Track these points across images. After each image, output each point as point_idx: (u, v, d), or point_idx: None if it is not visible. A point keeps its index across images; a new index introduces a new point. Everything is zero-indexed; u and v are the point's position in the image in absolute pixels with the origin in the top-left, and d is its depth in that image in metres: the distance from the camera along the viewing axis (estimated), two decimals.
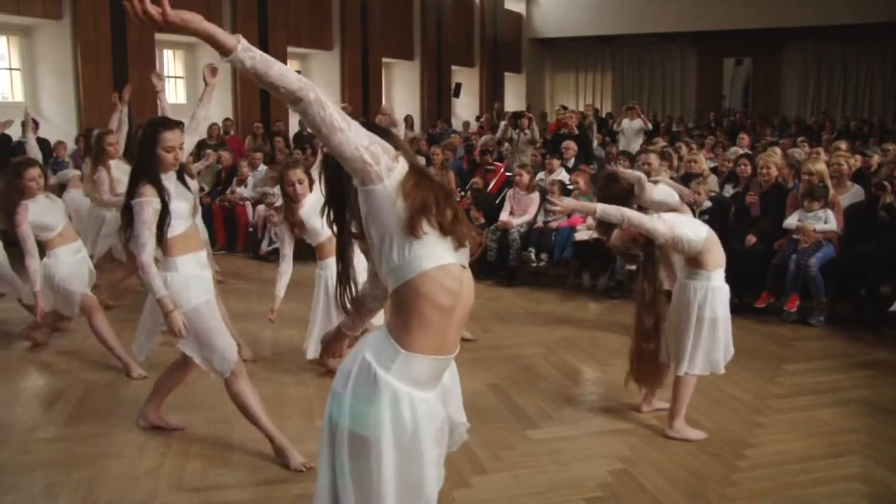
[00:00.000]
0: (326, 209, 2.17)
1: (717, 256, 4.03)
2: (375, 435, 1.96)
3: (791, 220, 6.53)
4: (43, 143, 9.91)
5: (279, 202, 9.30)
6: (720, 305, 4.02)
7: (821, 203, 6.46)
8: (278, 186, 9.54)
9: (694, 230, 3.98)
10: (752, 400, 4.66)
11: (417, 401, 2.01)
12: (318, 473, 2.12)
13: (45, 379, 5.07)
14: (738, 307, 6.46)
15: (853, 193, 6.89)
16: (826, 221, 6.40)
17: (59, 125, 10.78)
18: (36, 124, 9.81)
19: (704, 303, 3.98)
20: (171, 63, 13.42)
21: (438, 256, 1.98)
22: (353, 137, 1.91)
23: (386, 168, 1.94)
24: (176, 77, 13.51)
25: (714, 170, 8.56)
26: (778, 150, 9.29)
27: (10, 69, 11.14)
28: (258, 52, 1.84)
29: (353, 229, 2.15)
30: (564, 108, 15.86)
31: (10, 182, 4.92)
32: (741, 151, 9.52)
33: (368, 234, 2.03)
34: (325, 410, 2.10)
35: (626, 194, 4.32)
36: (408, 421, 1.99)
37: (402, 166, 1.99)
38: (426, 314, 1.99)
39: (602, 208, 3.87)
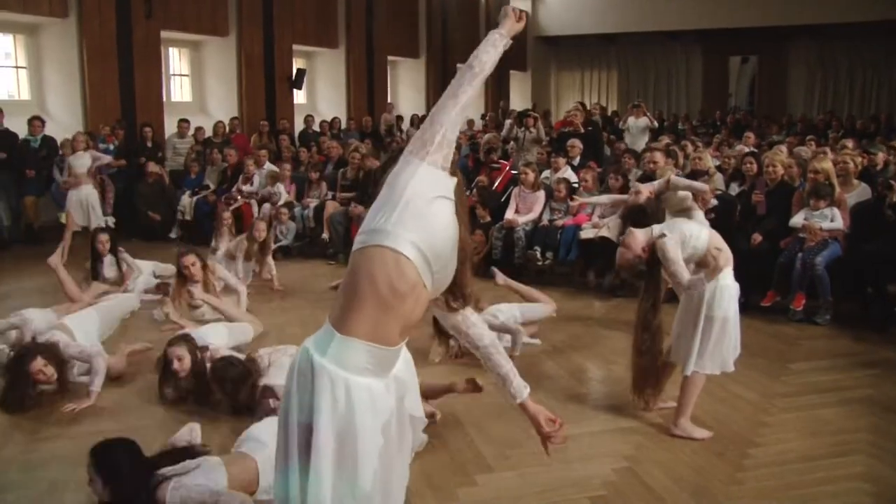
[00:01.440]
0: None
1: (723, 256, 4.02)
2: (316, 423, 1.94)
3: (797, 219, 6.51)
4: (49, 141, 9.96)
5: (283, 200, 9.36)
6: (729, 304, 4.01)
7: (827, 202, 6.44)
8: (280, 185, 9.60)
9: (695, 240, 4.02)
10: (758, 399, 4.65)
11: (354, 386, 1.96)
12: (275, 473, 2.11)
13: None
14: (744, 306, 6.39)
15: (859, 192, 6.87)
16: (832, 220, 6.39)
17: (66, 123, 10.80)
18: (42, 122, 9.87)
19: (713, 301, 3.98)
20: (177, 61, 13.44)
21: (402, 244, 1.95)
22: (454, 119, 2.04)
23: (436, 160, 2.02)
24: (181, 75, 13.53)
25: (719, 168, 8.55)
26: (784, 148, 9.27)
27: (17, 67, 11.16)
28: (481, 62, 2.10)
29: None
30: (582, 104, 15.79)
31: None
32: (746, 150, 9.50)
33: (376, 195, 2.06)
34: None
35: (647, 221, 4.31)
36: (342, 405, 1.95)
37: (451, 180, 2.07)
38: (365, 298, 1.96)
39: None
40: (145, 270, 6.88)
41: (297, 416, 1.99)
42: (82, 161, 8.89)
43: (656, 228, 4.11)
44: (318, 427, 1.94)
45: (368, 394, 1.98)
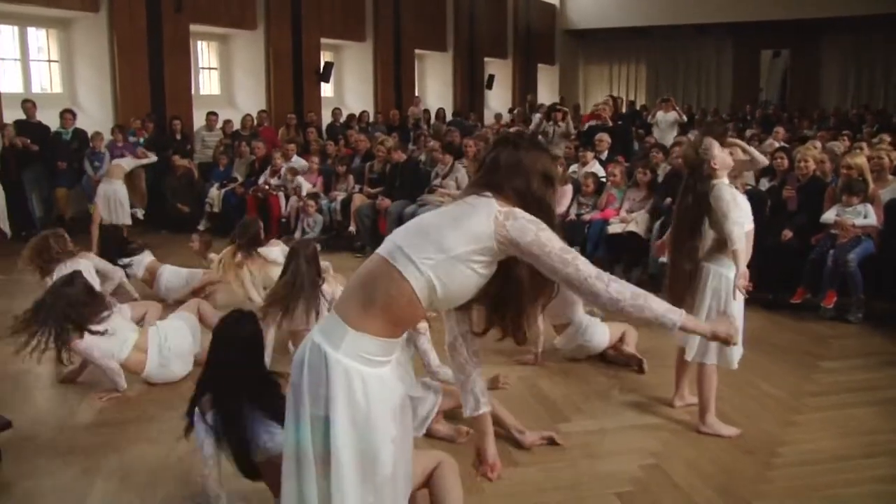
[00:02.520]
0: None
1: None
2: (331, 415, 1.99)
3: (829, 215, 6.41)
4: (80, 133, 10.08)
5: (304, 192, 9.41)
6: (729, 297, 3.91)
7: (860, 198, 6.34)
8: (298, 177, 9.67)
9: (740, 224, 3.89)
10: (787, 397, 4.59)
11: (369, 377, 2.01)
12: (283, 467, 2.12)
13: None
14: (773, 303, 6.39)
15: (894, 188, 6.74)
16: (865, 216, 6.28)
17: (96, 116, 10.93)
18: (73, 115, 9.98)
19: (719, 290, 3.91)
20: (206, 54, 13.54)
21: (422, 296, 2.01)
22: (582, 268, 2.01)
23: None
24: (210, 68, 13.62)
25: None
26: (818, 143, 9.12)
27: (49, 61, 11.31)
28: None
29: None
30: (613, 98, 15.68)
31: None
32: (777, 144, 9.37)
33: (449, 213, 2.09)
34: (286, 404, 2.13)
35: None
36: (360, 398, 2.00)
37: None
38: (378, 305, 2.01)
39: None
40: (115, 277, 6.32)
41: (310, 409, 2.02)
42: (126, 160, 9.05)
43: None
44: (334, 418, 1.99)
45: (381, 383, 2.05)
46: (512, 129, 11.98)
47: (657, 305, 2.01)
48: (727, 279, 3.89)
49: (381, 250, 2.06)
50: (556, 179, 2.16)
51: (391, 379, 2.10)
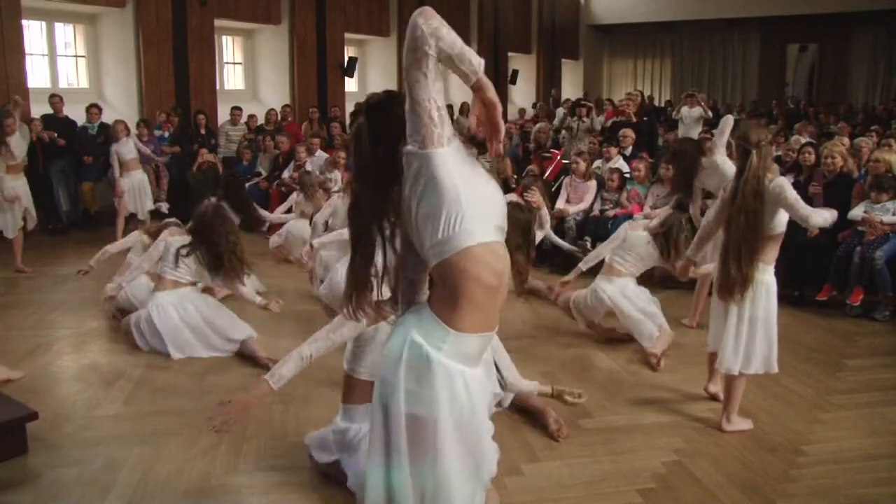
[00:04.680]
0: (357, 190, 2.13)
1: (776, 250, 3.93)
2: (433, 415, 1.98)
3: (857, 212, 6.33)
4: (106, 128, 10.17)
5: (336, 187, 9.40)
6: (769, 302, 3.89)
7: (889, 194, 6.26)
8: (337, 171, 9.70)
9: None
10: (813, 395, 4.54)
11: (470, 378, 2.03)
12: (369, 460, 2.11)
13: (106, 358, 5.20)
14: (800, 300, 6.33)
15: None
16: (894, 213, 6.20)
17: (122, 110, 11.02)
18: (99, 109, 10.07)
19: (755, 299, 3.85)
20: (231, 49, 13.60)
21: (483, 233, 1.95)
22: (432, 89, 1.89)
23: (447, 136, 1.92)
24: (234, 63, 13.69)
25: (779, 160, 8.33)
26: (845, 139, 9.00)
27: (76, 56, 11.42)
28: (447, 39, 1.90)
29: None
30: (641, 93, 15.58)
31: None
32: (803, 140, 9.25)
33: (410, 209, 1.97)
34: (373, 399, 2.09)
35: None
36: (464, 399, 2.01)
37: (459, 143, 1.97)
38: (474, 294, 1.97)
39: None
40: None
41: (403, 408, 2.00)
42: (128, 148, 8.96)
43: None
44: (439, 420, 1.99)
45: (479, 383, 2.08)
46: (537, 126, 11.94)
47: None
48: (761, 284, 3.86)
49: (431, 265, 2.02)
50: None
51: (484, 377, 2.13)
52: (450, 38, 1.88)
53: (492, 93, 1.96)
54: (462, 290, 1.96)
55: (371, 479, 2.09)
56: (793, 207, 3.82)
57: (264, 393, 3.00)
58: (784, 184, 3.85)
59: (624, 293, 5.30)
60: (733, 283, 3.81)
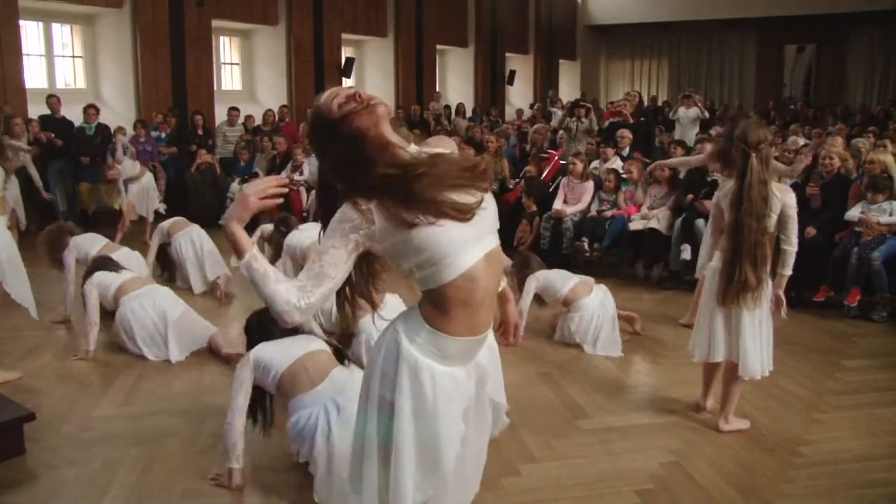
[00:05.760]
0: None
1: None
2: (396, 401, 2.02)
3: (853, 212, 6.34)
4: (103, 128, 10.17)
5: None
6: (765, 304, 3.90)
7: (886, 195, 6.27)
8: None
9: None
10: (810, 396, 4.55)
11: (439, 374, 2.03)
12: (353, 436, 2.17)
13: (103, 358, 5.18)
14: (797, 300, 6.33)
15: None
16: (891, 214, 6.21)
17: (119, 111, 11.02)
18: (97, 110, 10.06)
19: (763, 299, 3.87)
20: (228, 49, 13.60)
21: (468, 259, 1.97)
22: (336, 274, 1.94)
23: (366, 232, 1.93)
24: (232, 64, 13.69)
25: (777, 161, 8.33)
26: (840, 140, 9.01)
27: (73, 57, 11.42)
28: (259, 270, 1.93)
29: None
30: (638, 93, 15.60)
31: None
32: (801, 142, 9.27)
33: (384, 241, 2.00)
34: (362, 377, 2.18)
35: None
36: (427, 392, 2.02)
37: (375, 213, 1.94)
38: (456, 311, 2.01)
39: None
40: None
41: (378, 387, 2.06)
42: (130, 165, 9.10)
43: None
44: (400, 407, 2.02)
45: (452, 381, 2.06)
46: (535, 126, 11.95)
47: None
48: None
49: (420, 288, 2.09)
50: None
51: (463, 379, 2.10)
52: None
53: None
54: (446, 307, 2.01)
55: (351, 472, 2.19)
56: (788, 224, 3.89)
57: (238, 480, 3.40)
58: (794, 202, 3.91)
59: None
60: (748, 288, 3.76)
